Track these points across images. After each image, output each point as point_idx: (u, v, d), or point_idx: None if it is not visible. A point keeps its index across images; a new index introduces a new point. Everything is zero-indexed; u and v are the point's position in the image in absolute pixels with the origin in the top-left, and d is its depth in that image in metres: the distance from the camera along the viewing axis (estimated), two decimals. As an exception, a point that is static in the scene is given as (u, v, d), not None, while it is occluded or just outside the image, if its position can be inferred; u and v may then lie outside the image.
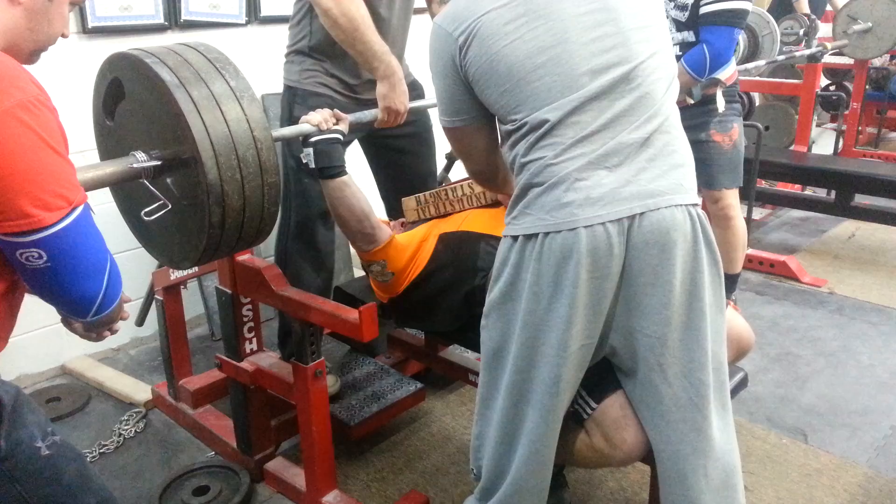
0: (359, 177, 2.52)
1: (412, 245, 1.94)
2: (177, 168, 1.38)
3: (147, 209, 1.38)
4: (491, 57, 1.32)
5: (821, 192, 4.17)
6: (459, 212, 2.11)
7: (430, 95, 1.96)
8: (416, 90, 2.29)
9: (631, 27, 1.34)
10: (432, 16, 2.38)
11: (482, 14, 1.33)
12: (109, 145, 1.54)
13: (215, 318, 2.95)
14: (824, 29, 4.91)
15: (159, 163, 1.38)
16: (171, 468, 2.20)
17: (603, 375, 1.50)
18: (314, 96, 2.17)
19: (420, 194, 2.14)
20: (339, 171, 1.79)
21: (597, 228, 1.28)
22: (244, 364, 2.03)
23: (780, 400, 2.52)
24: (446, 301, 1.90)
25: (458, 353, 2.37)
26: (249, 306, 2.03)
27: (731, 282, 2.96)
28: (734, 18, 2.45)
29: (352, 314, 1.74)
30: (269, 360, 2.06)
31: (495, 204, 2.06)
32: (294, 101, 2.19)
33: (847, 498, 2.03)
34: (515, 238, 1.37)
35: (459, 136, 1.51)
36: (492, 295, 1.43)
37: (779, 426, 2.37)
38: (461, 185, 2.09)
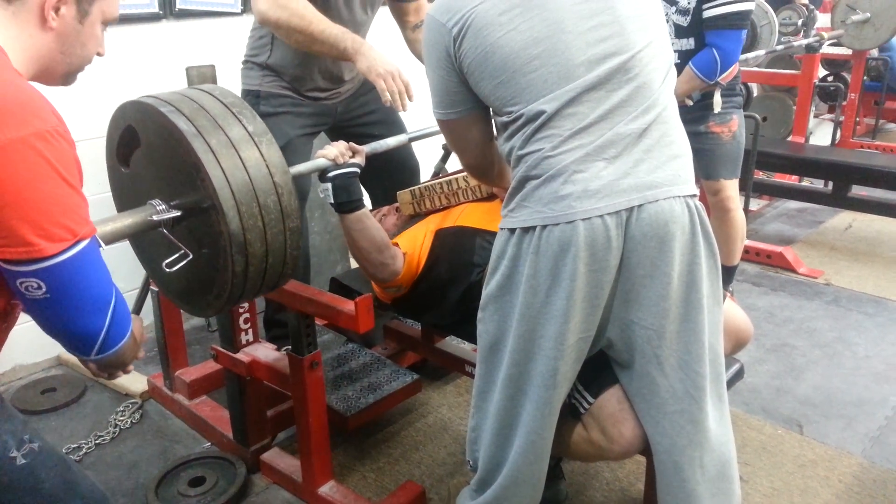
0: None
1: (416, 252, 1.93)
2: (197, 216, 1.35)
3: (168, 260, 1.35)
4: (486, 48, 1.31)
5: (818, 183, 4.18)
6: (455, 205, 2.10)
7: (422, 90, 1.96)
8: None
9: (627, 16, 1.33)
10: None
11: (476, 4, 1.32)
12: (125, 191, 1.52)
13: (211, 308, 2.94)
14: (824, 19, 4.89)
15: (179, 213, 1.35)
16: (166, 459, 2.20)
17: (600, 369, 1.50)
18: (277, 97, 2.20)
19: (415, 188, 2.13)
20: (358, 204, 1.75)
21: (595, 221, 1.27)
22: (240, 355, 2.03)
23: (776, 391, 2.52)
24: (444, 297, 1.90)
25: (454, 345, 2.36)
26: (245, 297, 2.02)
27: (728, 273, 2.96)
28: (739, 20, 2.44)
29: (348, 305, 1.73)
30: (264, 351, 2.05)
31: (491, 197, 2.05)
32: (258, 103, 2.20)
33: (842, 488, 2.04)
34: (513, 231, 1.36)
35: (454, 129, 1.50)
36: (489, 288, 1.43)
37: (774, 417, 2.37)
38: (456, 179, 2.08)
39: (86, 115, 2.46)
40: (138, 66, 2.74)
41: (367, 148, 1.82)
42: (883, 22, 4.55)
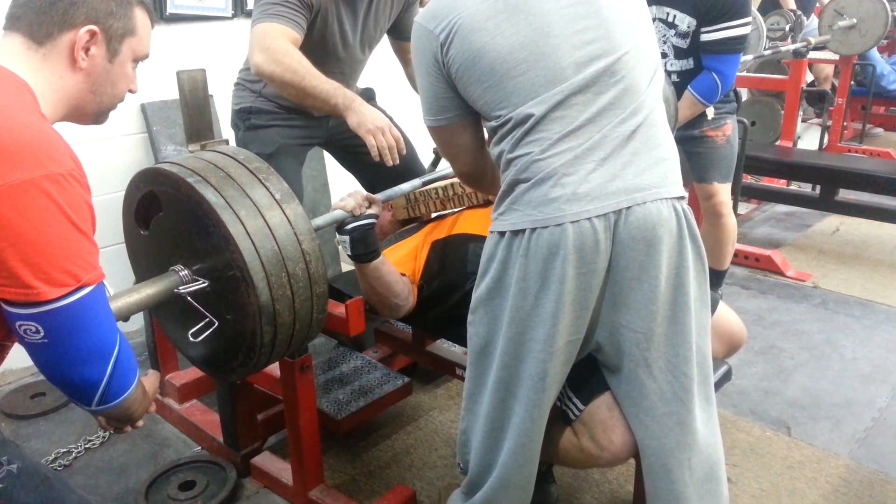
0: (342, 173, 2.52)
1: (416, 271, 1.92)
2: (221, 283, 1.33)
3: (193, 329, 1.33)
4: (473, 53, 1.32)
5: (806, 187, 4.20)
6: (451, 211, 2.10)
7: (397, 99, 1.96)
8: (367, 94, 2.33)
9: (612, 20, 1.34)
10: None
11: (463, 10, 1.32)
12: (143, 254, 1.50)
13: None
14: (815, 25, 4.94)
15: (206, 283, 1.32)
16: (156, 463, 2.19)
17: (590, 375, 1.51)
18: (269, 113, 2.22)
19: (410, 192, 2.13)
20: (375, 255, 1.75)
21: (583, 224, 1.28)
22: (231, 359, 2.03)
23: (764, 393, 2.54)
24: (440, 305, 1.89)
25: (445, 348, 2.37)
26: (236, 301, 2.02)
27: (717, 277, 2.99)
28: (737, 45, 2.47)
29: (338, 308, 1.74)
30: (255, 354, 2.05)
31: (487, 203, 2.04)
32: (250, 118, 2.23)
33: (829, 489, 2.06)
34: (502, 234, 1.37)
35: (445, 136, 1.50)
36: (478, 291, 1.43)
37: (763, 419, 2.39)
38: (452, 185, 2.08)
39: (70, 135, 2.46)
40: (129, 69, 2.74)
41: (381, 196, 1.82)
42: (869, 28, 4.60)
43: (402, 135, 1.97)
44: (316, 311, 1.42)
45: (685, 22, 2.45)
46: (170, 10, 2.83)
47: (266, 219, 1.33)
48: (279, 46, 1.89)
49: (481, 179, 1.63)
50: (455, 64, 1.35)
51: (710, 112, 2.63)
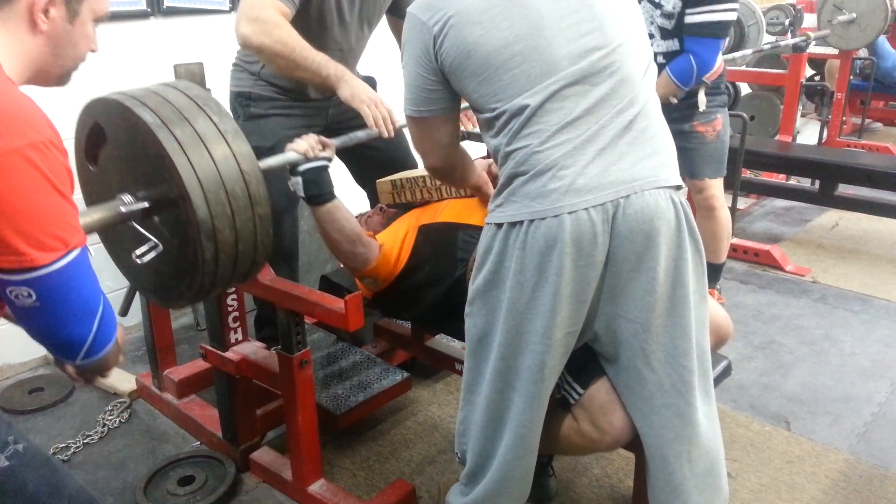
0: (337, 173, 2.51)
1: (396, 247, 1.93)
2: (165, 208, 1.35)
3: (138, 252, 1.35)
4: (468, 46, 1.32)
5: (805, 182, 4.20)
6: (436, 200, 2.09)
7: (396, 89, 1.96)
8: (368, 82, 2.31)
9: (605, 13, 1.34)
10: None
11: (457, 2, 1.32)
12: (94, 190, 1.51)
13: (200, 307, 2.93)
14: (810, 19, 4.93)
15: (147, 205, 1.35)
16: (155, 458, 2.19)
17: (588, 360, 1.51)
18: (268, 100, 2.20)
19: (396, 178, 2.12)
20: (329, 197, 1.76)
21: (581, 215, 1.28)
22: (229, 354, 2.02)
23: (764, 388, 2.54)
24: (430, 293, 1.90)
25: (444, 343, 2.37)
26: (234, 296, 2.02)
27: (715, 271, 2.98)
28: (719, 30, 2.46)
29: (337, 304, 1.73)
30: (254, 349, 2.05)
31: (472, 194, 2.05)
32: (249, 105, 2.20)
33: (828, 484, 2.06)
34: (499, 225, 1.37)
35: (424, 128, 1.50)
36: (476, 282, 1.43)
37: (762, 414, 2.39)
38: None
39: (73, 113, 2.45)
40: (126, 64, 2.73)
41: (336, 141, 1.83)
42: (868, 22, 4.60)
43: (396, 129, 1.96)
44: (260, 233, 1.42)
45: (671, 3, 2.45)
46: (167, 3, 2.82)
47: (203, 139, 1.34)
48: (268, 17, 1.86)
49: (451, 175, 1.65)
50: (449, 57, 1.34)
51: (703, 103, 2.62)
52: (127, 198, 1.35)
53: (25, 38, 1.10)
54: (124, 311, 2.74)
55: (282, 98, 2.21)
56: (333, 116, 2.30)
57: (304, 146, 1.72)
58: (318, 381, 2.18)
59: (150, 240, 1.35)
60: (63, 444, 2.25)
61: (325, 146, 1.76)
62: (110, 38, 2.67)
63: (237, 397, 2.08)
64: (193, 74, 1.89)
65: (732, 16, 2.46)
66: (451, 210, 1.99)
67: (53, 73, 1.16)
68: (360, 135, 1.91)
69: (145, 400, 2.50)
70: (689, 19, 2.45)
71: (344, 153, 2.44)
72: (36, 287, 0.99)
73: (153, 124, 1.30)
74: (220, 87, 2.96)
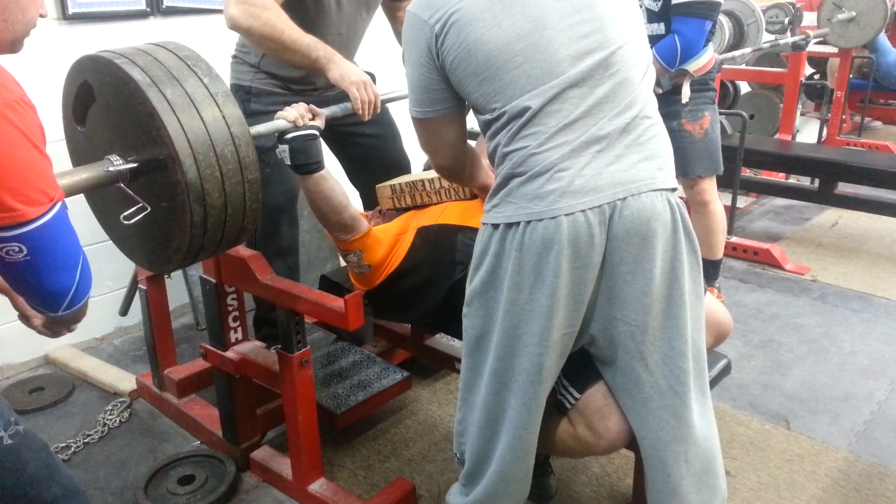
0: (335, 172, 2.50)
1: (389, 237, 1.93)
2: (154, 170, 1.35)
3: (126, 213, 1.35)
4: (468, 45, 1.31)
5: (804, 181, 4.20)
6: (436, 204, 2.09)
7: (396, 86, 1.97)
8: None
9: (606, 13, 1.34)
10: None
11: (459, 0, 1.32)
12: (82, 151, 1.50)
13: (200, 307, 2.93)
14: (810, 18, 4.93)
15: (136, 165, 1.35)
16: (156, 458, 2.20)
17: (585, 364, 1.51)
18: (269, 94, 2.19)
19: (396, 182, 2.13)
20: (317, 167, 1.75)
21: (577, 217, 1.28)
22: (229, 353, 2.03)
23: (763, 386, 2.54)
24: (428, 295, 1.90)
25: (444, 342, 2.37)
26: (234, 295, 2.02)
27: (713, 268, 2.98)
28: (706, 11, 2.46)
29: (337, 303, 1.73)
30: (254, 349, 2.05)
31: (472, 196, 2.05)
32: (249, 100, 2.19)
33: (828, 482, 2.06)
34: (496, 226, 1.36)
35: (430, 129, 1.49)
36: (473, 284, 1.43)
37: (762, 412, 2.39)
38: (439, 178, 2.08)
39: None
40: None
41: (326, 111, 1.82)
42: (868, 21, 4.59)
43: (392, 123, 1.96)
44: (249, 199, 1.42)
45: None
46: (166, 3, 2.82)
47: (193, 100, 1.33)
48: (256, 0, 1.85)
49: (460, 174, 1.63)
50: (450, 56, 1.34)
51: (686, 95, 2.62)
52: (116, 159, 1.35)
53: None
54: (124, 311, 2.76)
55: (282, 92, 2.20)
56: (333, 116, 2.30)
57: (294, 114, 1.71)
58: (318, 380, 2.18)
59: (138, 201, 1.35)
60: (63, 444, 2.25)
61: (314, 115, 1.76)
62: (109, 37, 2.68)
63: (237, 396, 2.08)
64: (193, 74, 1.88)
65: None
66: (452, 212, 1.99)
67: (5, 40, 1.16)
68: (341, 108, 1.91)
69: (145, 399, 2.50)
70: (676, 0, 2.45)
71: (338, 151, 2.44)
72: (27, 241, 1.03)
73: (143, 83, 1.29)
74: (220, 87, 2.97)
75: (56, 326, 1.25)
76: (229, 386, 2.07)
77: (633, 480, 1.85)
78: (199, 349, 2.11)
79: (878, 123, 6.21)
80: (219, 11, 2.98)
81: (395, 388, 2.23)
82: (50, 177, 1.06)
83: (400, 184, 2.11)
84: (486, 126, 1.39)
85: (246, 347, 2.05)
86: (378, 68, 2.42)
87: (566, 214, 1.28)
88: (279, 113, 1.73)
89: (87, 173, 1.33)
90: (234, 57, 2.27)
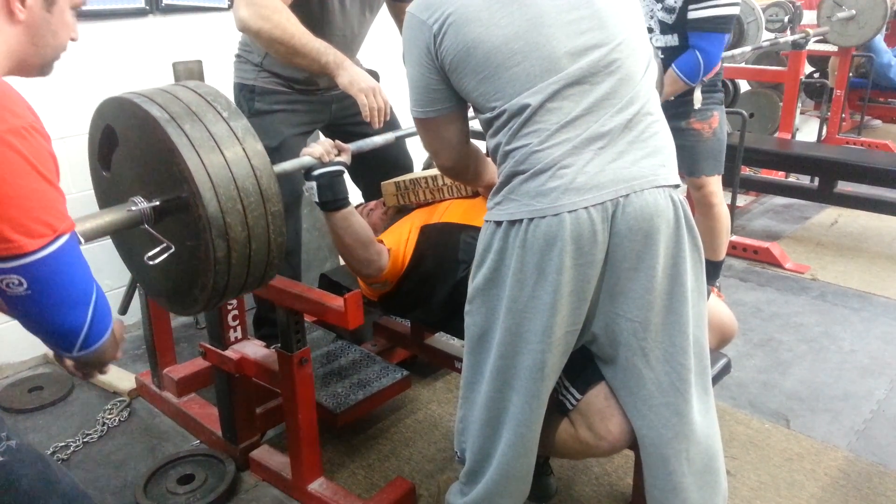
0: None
1: (402, 248, 1.93)
2: (177, 208, 1.34)
3: (150, 253, 1.34)
4: (467, 44, 1.31)
5: (804, 179, 4.20)
6: (440, 201, 2.09)
7: (398, 83, 1.97)
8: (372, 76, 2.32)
9: (605, 10, 1.34)
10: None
11: (456, 0, 1.32)
12: (109, 197, 1.50)
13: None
14: (810, 16, 4.92)
15: (157, 203, 1.34)
16: (155, 457, 2.19)
17: (586, 365, 1.50)
18: (273, 93, 2.18)
19: (400, 180, 2.12)
20: (343, 203, 1.74)
21: (580, 214, 1.28)
22: (229, 352, 2.02)
23: (763, 385, 2.54)
24: (431, 294, 1.90)
25: (444, 341, 2.37)
26: (233, 294, 2.01)
27: (714, 269, 2.98)
28: (724, 24, 2.46)
29: (337, 302, 1.73)
30: (253, 348, 2.05)
31: (476, 194, 2.04)
32: (253, 98, 2.19)
33: (828, 481, 2.06)
34: (499, 223, 1.36)
35: (432, 129, 1.49)
36: (475, 281, 1.43)
37: (761, 411, 2.39)
38: (442, 175, 2.08)
39: (72, 111, 2.44)
40: (125, 62, 2.73)
41: (352, 146, 1.81)
42: (868, 20, 4.59)
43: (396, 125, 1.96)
44: (272, 231, 1.40)
45: None
46: (165, 1, 2.81)
47: (213, 135, 1.33)
48: (266, 2, 1.84)
49: (464, 173, 1.63)
50: (449, 55, 1.34)
51: (698, 101, 2.62)
52: (139, 199, 1.34)
53: (4, 29, 1.08)
54: (123, 310, 2.75)
55: (286, 91, 2.20)
56: (336, 112, 2.30)
57: (320, 150, 1.69)
58: (318, 379, 2.18)
59: (161, 241, 1.34)
60: (63, 443, 2.25)
61: (340, 151, 1.74)
62: (108, 36, 2.68)
63: (237, 396, 2.08)
64: (192, 72, 1.88)
65: (736, 10, 2.46)
66: (455, 211, 1.99)
67: (35, 63, 1.15)
68: (376, 140, 1.90)
69: (145, 398, 2.50)
70: (692, 14, 2.44)
71: (339, 138, 2.44)
72: (26, 274, 0.98)
73: (162, 119, 1.29)
74: (220, 85, 2.97)
75: (85, 367, 1.19)
76: (229, 385, 2.07)
77: (633, 480, 1.84)
78: (199, 348, 2.10)
79: (878, 122, 6.21)
80: (217, 9, 3.00)
81: (395, 387, 2.23)
82: (56, 208, 1.01)
83: (404, 181, 2.11)
84: (487, 125, 1.39)
85: (245, 346, 2.05)
86: (381, 66, 2.42)
87: (569, 211, 1.28)
88: (304, 150, 1.72)
89: (110, 216, 1.32)
90: (238, 56, 2.27)
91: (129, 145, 1.39)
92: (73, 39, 1.20)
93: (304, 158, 1.69)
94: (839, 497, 2.00)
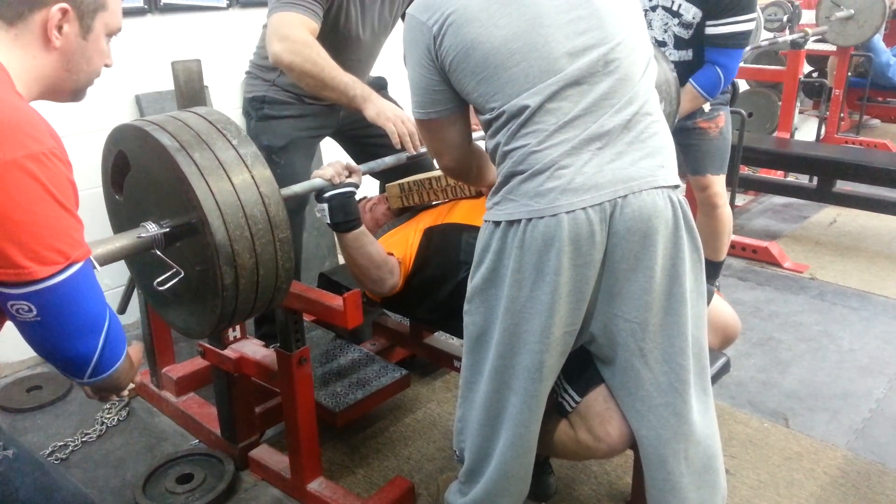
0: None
1: (409, 255, 1.92)
2: (187, 234, 1.35)
3: (160, 279, 1.35)
4: (466, 45, 1.31)
5: (803, 179, 4.20)
6: (444, 202, 2.09)
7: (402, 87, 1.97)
8: (379, 83, 2.34)
9: (604, 9, 1.34)
10: None
11: (455, 1, 1.32)
12: (122, 221, 1.51)
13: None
14: (808, 16, 4.93)
15: (168, 230, 1.35)
16: (154, 456, 2.19)
17: (586, 367, 1.51)
18: (282, 103, 2.21)
19: (404, 181, 2.13)
20: (355, 224, 1.73)
21: (578, 214, 1.28)
22: (227, 352, 2.02)
23: (762, 385, 2.54)
24: (433, 294, 1.89)
25: (443, 340, 2.37)
26: (233, 294, 2.01)
27: (715, 269, 2.99)
28: (743, 40, 2.46)
29: (336, 301, 1.73)
30: (252, 347, 2.04)
31: (480, 195, 2.04)
32: (263, 107, 2.22)
33: (827, 480, 2.06)
34: (497, 223, 1.36)
35: (434, 129, 1.49)
36: (474, 280, 1.43)
37: (760, 410, 2.39)
38: (446, 176, 2.08)
39: (72, 110, 2.43)
40: (123, 60, 2.71)
41: (364, 167, 1.81)
42: (866, 19, 4.58)
43: None
44: (281, 258, 1.41)
45: (690, 12, 2.44)
46: (164, 0, 2.81)
47: (221, 162, 1.34)
48: (298, 36, 1.88)
49: (467, 174, 1.63)
50: (449, 56, 1.34)
51: (707, 104, 2.63)
52: (151, 225, 1.36)
53: (39, 55, 1.09)
54: (122, 309, 2.75)
55: (296, 102, 2.23)
56: (344, 118, 2.31)
57: (331, 172, 1.69)
58: (317, 378, 2.18)
59: (171, 266, 1.35)
60: (61, 443, 2.24)
61: (351, 172, 1.73)
62: (107, 35, 2.67)
63: (236, 395, 2.08)
64: (191, 71, 1.89)
65: (753, 25, 2.46)
66: (459, 212, 1.99)
67: (67, 89, 1.16)
68: (388, 160, 1.91)
69: (144, 398, 2.50)
70: (711, 31, 2.44)
71: (351, 151, 2.45)
72: (35, 301, 0.98)
73: (171, 148, 1.30)
74: (218, 84, 2.97)
75: (100, 392, 1.19)
76: (228, 384, 2.07)
77: (632, 479, 1.84)
78: (198, 347, 2.10)
79: (877, 121, 6.21)
80: (216, 9, 2.99)
81: (394, 387, 2.23)
82: (70, 236, 1.00)
83: (408, 182, 2.11)
84: (486, 125, 1.39)
85: (244, 346, 2.05)
86: (388, 73, 2.42)
87: (567, 212, 1.28)
88: (316, 172, 1.72)
89: (121, 241, 1.33)
90: (249, 73, 2.31)
91: (141, 171, 1.40)
92: (107, 66, 1.20)
93: (315, 181, 1.69)
94: (838, 496, 2.00)
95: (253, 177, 1.37)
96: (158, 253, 1.35)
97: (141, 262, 1.51)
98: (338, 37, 2.09)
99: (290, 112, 2.23)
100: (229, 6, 3.02)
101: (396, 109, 1.93)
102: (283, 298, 1.53)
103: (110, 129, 1.45)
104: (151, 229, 1.35)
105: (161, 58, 2.51)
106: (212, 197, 1.30)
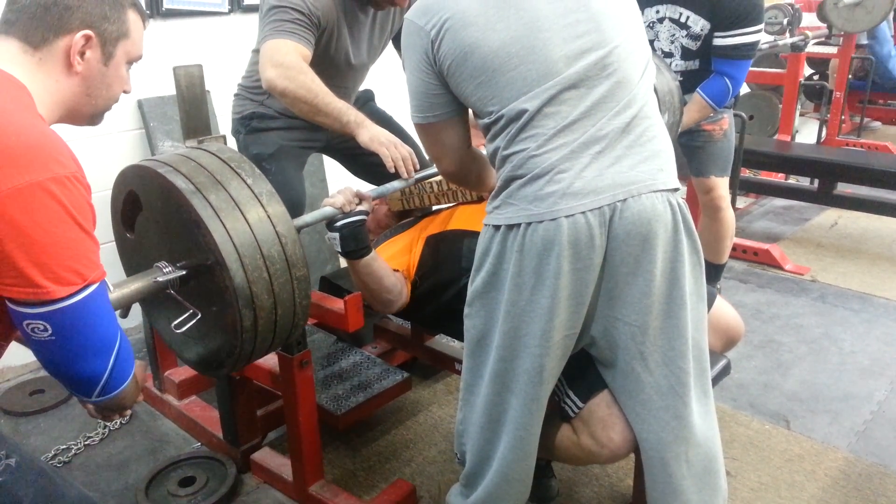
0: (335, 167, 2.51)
1: (411, 266, 1.92)
2: (202, 274, 1.35)
3: (177, 321, 1.35)
4: (464, 49, 1.31)
5: (804, 181, 4.20)
6: (445, 206, 2.09)
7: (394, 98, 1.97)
8: (366, 95, 2.39)
9: (601, 13, 1.34)
10: None
11: (453, 6, 1.32)
12: (133, 258, 1.51)
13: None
14: (809, 18, 4.92)
15: (184, 272, 1.35)
16: (156, 459, 2.20)
17: (588, 372, 1.51)
18: (271, 118, 2.23)
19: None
20: (367, 251, 1.74)
21: (578, 218, 1.28)
22: (229, 355, 2.03)
23: (763, 387, 2.54)
24: (435, 300, 1.89)
25: (444, 343, 2.37)
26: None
27: (716, 271, 2.99)
28: (750, 51, 2.47)
29: (337, 304, 1.74)
30: (254, 350, 2.05)
31: (482, 199, 2.04)
32: (251, 122, 2.24)
33: (828, 482, 2.06)
34: (497, 228, 1.37)
35: (433, 134, 1.49)
36: (474, 284, 1.43)
37: (762, 412, 2.39)
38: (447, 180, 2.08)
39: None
40: (125, 66, 2.73)
41: (372, 193, 1.81)
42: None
43: (412, 147, 1.98)
44: (298, 296, 1.41)
45: (699, 24, 2.45)
46: (166, 5, 2.82)
47: (237, 203, 1.33)
48: (292, 63, 1.90)
49: (466, 178, 1.63)
50: (447, 60, 1.34)
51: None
52: (164, 266, 1.35)
53: (61, 79, 1.12)
54: (125, 313, 2.75)
55: (284, 118, 2.24)
56: (332, 135, 2.32)
57: (341, 200, 1.68)
58: (319, 381, 2.18)
59: (188, 308, 1.35)
60: (64, 446, 2.25)
61: (361, 200, 1.73)
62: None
63: (238, 398, 2.09)
64: (192, 76, 1.89)
65: (761, 35, 2.47)
66: (460, 217, 1.98)
67: (86, 113, 1.18)
68: (395, 184, 1.91)
69: (146, 401, 2.50)
70: (719, 42, 2.45)
71: (348, 163, 2.46)
72: (51, 320, 1.00)
73: (187, 191, 1.29)
74: (219, 90, 2.98)
75: (104, 411, 1.21)
76: (230, 387, 2.07)
77: (633, 481, 1.85)
78: (200, 351, 2.11)
79: (878, 124, 6.21)
80: (217, 14, 3.00)
81: (396, 390, 2.23)
82: (87, 258, 1.02)
83: (409, 186, 2.11)
84: (485, 129, 1.40)
85: (246, 349, 2.05)
86: (381, 71, 2.43)
87: (566, 216, 1.28)
88: (326, 200, 1.72)
89: (136, 284, 1.33)
90: (237, 94, 2.31)
91: (154, 211, 1.39)
92: (125, 92, 1.22)
93: (326, 209, 1.68)
94: (839, 498, 2.00)
95: (269, 215, 1.36)
96: (174, 294, 1.34)
97: (154, 300, 1.50)
98: (328, 63, 2.10)
99: (278, 125, 2.25)
100: (231, 11, 3.03)
101: (389, 134, 1.93)
102: (299, 334, 1.53)
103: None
104: (167, 271, 1.34)
105: (163, 63, 2.51)
106: (229, 240, 1.29)
